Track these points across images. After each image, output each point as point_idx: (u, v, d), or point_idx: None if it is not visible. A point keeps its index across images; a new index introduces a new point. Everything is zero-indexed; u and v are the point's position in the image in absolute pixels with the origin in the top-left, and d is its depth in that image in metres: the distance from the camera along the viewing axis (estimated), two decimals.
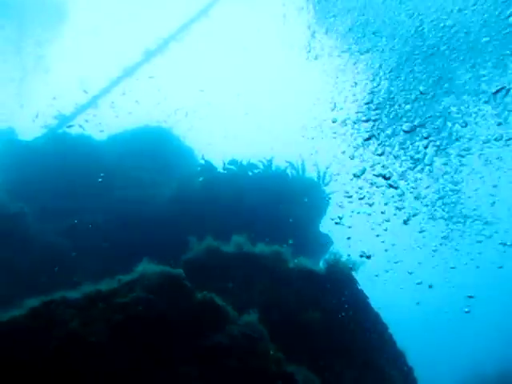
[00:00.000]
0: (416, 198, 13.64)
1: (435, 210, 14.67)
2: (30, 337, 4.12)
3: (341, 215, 14.01)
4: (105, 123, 20.68)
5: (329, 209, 15.73)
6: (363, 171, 12.53)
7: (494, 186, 14.80)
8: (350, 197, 13.85)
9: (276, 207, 14.41)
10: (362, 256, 12.34)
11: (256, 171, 15.32)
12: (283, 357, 5.04)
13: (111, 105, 21.22)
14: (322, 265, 7.26)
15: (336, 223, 14.12)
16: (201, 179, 15.42)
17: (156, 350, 4.40)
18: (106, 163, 16.65)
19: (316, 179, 15.43)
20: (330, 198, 15.62)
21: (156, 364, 4.33)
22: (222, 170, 15.26)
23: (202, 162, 15.53)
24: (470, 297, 22.19)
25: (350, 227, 14.27)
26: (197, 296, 5.01)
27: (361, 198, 13.84)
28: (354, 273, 7.10)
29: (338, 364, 6.01)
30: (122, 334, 4.31)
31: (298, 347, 5.78)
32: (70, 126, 17.55)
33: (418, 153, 12.01)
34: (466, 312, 24.69)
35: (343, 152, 13.36)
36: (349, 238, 14.58)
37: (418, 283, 17.83)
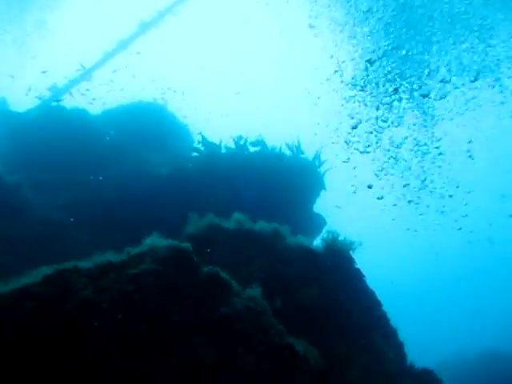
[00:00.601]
0: None
1: None
2: (45, 304, 4.25)
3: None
4: (98, 97, 20.53)
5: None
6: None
7: None
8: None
9: (271, 187, 14.59)
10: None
11: (252, 150, 15.42)
12: (284, 329, 5.25)
13: (108, 82, 21.04)
14: (320, 243, 7.46)
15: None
16: (197, 155, 15.50)
17: (165, 320, 4.57)
18: (100, 137, 16.63)
19: (311, 160, 15.60)
20: (324, 179, 15.87)
21: (165, 333, 4.51)
22: (218, 148, 15.33)
23: (199, 138, 15.54)
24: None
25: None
26: (203, 270, 5.16)
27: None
28: (351, 252, 7.32)
29: (335, 338, 6.26)
30: (133, 304, 4.47)
31: (297, 321, 5.99)
32: (58, 101, 17.36)
33: None
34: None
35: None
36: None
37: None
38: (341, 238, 7.31)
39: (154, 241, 5.06)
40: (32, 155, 15.16)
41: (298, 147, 15.59)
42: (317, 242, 8.22)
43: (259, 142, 15.47)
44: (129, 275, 4.60)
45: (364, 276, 7.31)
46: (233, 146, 15.33)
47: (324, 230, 16.17)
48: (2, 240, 10.50)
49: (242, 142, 15.41)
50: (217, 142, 15.36)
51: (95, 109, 17.91)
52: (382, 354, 6.50)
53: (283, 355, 4.87)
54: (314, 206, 16.31)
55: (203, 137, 15.33)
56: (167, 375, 4.21)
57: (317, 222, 16.28)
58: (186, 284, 4.90)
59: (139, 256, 4.88)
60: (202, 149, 15.45)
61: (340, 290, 6.81)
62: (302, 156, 15.68)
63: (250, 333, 4.87)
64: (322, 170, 15.77)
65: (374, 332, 6.75)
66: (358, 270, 7.31)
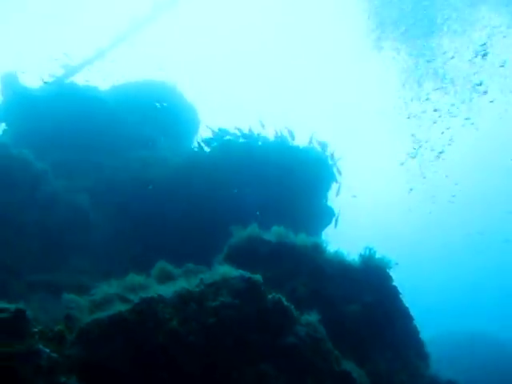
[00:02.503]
0: None
1: None
2: (136, 333, 4.59)
3: None
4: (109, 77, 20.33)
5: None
6: None
7: None
8: None
9: (282, 180, 14.89)
10: None
11: (266, 142, 15.60)
12: (339, 355, 5.69)
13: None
14: (357, 259, 7.86)
15: None
16: (213, 145, 15.62)
17: (242, 349, 4.96)
18: (113, 117, 16.64)
19: (322, 152, 15.83)
20: (334, 173, 16.11)
21: (243, 361, 4.91)
22: (231, 138, 15.50)
23: (214, 127, 15.66)
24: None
25: None
26: (268, 297, 5.53)
27: None
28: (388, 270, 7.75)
29: (376, 355, 6.75)
30: (215, 335, 4.84)
31: (343, 338, 6.43)
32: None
33: None
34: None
35: None
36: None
37: None
38: (378, 255, 7.72)
39: (227, 271, 5.40)
40: (46, 134, 15.17)
41: (311, 140, 15.82)
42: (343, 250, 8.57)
43: (275, 135, 15.67)
44: (209, 307, 4.95)
45: (400, 293, 7.76)
46: (247, 136, 15.49)
47: (333, 221, 16.56)
48: (38, 229, 10.74)
49: (255, 134, 15.58)
50: (232, 131, 15.55)
51: (106, 87, 17.86)
52: (417, 370, 7.04)
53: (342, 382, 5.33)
54: (328, 196, 16.52)
55: (220, 129, 15.48)
56: None
57: (326, 214, 16.62)
58: (256, 313, 5.28)
59: (214, 285, 5.22)
60: (218, 138, 15.61)
61: (379, 307, 7.27)
62: (312, 149, 15.88)
63: (314, 361, 5.29)
64: (333, 162, 16.02)
65: (409, 348, 7.27)
66: (395, 287, 7.76)
